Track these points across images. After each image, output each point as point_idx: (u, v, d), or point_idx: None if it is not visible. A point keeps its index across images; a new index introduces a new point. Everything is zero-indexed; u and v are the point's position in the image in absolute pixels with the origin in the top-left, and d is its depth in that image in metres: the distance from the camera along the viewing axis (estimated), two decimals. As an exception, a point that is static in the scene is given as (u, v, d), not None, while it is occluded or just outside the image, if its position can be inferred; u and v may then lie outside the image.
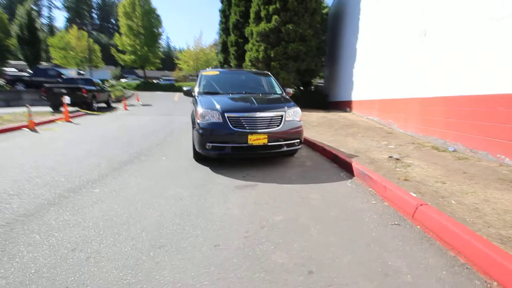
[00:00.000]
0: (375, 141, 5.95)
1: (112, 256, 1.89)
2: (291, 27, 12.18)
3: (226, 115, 3.96)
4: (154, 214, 2.56)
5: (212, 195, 3.06)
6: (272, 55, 12.68)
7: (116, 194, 3.04)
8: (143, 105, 16.26)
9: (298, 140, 4.27)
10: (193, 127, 4.28)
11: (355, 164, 3.82)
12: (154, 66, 32.93)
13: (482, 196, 2.85)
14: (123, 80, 31.43)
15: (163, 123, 9.36)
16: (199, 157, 4.43)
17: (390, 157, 4.51)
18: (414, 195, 2.80)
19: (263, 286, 1.59)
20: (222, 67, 19.21)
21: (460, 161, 4.10)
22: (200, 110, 4.11)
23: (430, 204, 2.50)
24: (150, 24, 29.62)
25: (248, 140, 3.90)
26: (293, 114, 4.29)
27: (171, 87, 28.05)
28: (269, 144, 3.98)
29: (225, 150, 3.97)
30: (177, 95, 21.45)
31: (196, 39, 37.21)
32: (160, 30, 31.28)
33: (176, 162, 4.47)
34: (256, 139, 3.91)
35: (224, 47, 18.68)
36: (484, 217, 2.41)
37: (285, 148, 4.15)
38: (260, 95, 4.89)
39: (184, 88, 5.29)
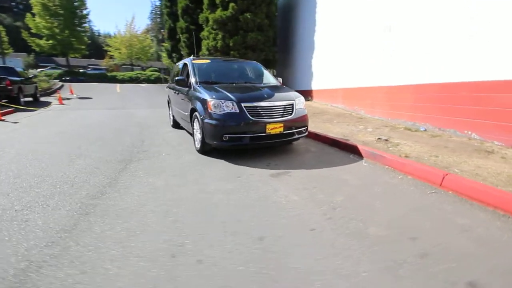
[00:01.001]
0: (352, 126, 6.58)
1: (223, 256, 1.79)
2: (249, 16, 12.16)
3: (243, 104, 3.89)
4: (220, 209, 2.45)
5: (256, 185, 3.04)
6: (231, 44, 12.49)
7: (153, 196, 2.76)
8: (81, 98, 14.22)
9: (306, 127, 4.48)
10: (202, 118, 4.05)
11: (362, 147, 4.24)
12: (79, 53, 28.73)
13: (472, 164, 3.54)
14: (39, 70, 26.52)
15: (123, 117, 8.44)
16: (205, 150, 4.26)
17: (379, 138, 5.09)
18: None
19: (386, 255, 1.76)
20: (170, 56, 18.01)
21: (435, 138, 4.94)
22: (211, 100, 3.94)
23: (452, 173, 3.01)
24: (70, 3, 25.49)
25: (266, 129, 3.93)
26: (300, 102, 4.45)
27: (104, 78, 25.03)
28: (284, 132, 4.08)
29: (243, 140, 3.92)
30: (118, 86, 19.30)
31: (128, 23, 33.51)
32: (85, 11, 27.29)
33: (182, 158, 4.20)
34: (273, 128, 3.97)
35: (171, 34, 17.44)
36: (487, 179, 3.02)
37: (296, 136, 4.31)
38: (262, 84, 4.90)
39: (176, 78, 4.93)
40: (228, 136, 3.86)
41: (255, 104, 3.94)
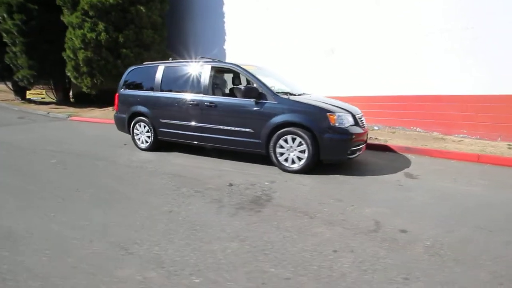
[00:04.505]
0: (320, 130, 7.89)
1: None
2: (143, 10, 10.47)
3: (356, 116, 4.11)
4: (477, 211, 2.90)
5: (423, 186, 3.60)
6: (121, 40, 10.18)
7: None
8: None
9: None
10: (318, 134, 3.81)
11: (394, 145, 5.63)
12: None
13: (452, 147, 5.81)
14: None
15: (14, 150, 5.12)
16: (310, 168, 4.03)
17: (370, 137, 6.70)
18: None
19: None
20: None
21: (395, 133, 7.18)
22: (333, 113, 3.91)
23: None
24: None
25: (367, 139, 4.38)
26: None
27: None
28: (365, 139, 4.68)
29: (357, 152, 4.14)
30: None
31: None
32: None
33: (299, 182, 3.77)
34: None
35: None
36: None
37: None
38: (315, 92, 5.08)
39: (241, 87, 4.06)
40: (351, 150, 3.96)
41: (359, 115, 4.27)
